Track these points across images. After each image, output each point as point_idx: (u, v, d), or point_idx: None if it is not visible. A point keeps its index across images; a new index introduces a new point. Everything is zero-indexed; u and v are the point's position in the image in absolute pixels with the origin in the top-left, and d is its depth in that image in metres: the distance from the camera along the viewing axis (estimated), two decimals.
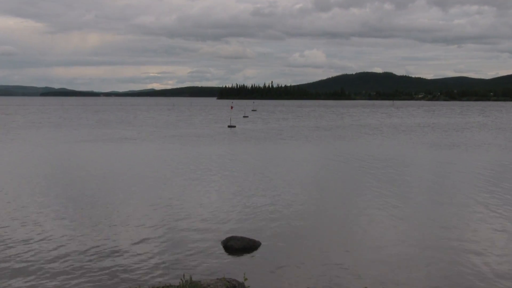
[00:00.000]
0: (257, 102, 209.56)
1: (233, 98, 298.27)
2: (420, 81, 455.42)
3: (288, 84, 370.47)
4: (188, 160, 22.17)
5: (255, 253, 9.17)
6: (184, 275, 6.63)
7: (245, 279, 6.53)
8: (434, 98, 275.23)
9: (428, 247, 9.58)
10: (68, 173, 18.02)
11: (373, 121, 59.88)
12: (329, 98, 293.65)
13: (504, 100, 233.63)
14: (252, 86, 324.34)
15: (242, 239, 9.53)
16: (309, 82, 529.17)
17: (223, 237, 9.94)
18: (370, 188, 15.52)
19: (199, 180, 16.68)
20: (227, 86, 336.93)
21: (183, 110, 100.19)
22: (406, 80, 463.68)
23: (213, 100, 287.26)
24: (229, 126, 46.69)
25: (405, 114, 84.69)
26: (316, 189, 15.30)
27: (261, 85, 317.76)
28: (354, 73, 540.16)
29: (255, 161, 21.97)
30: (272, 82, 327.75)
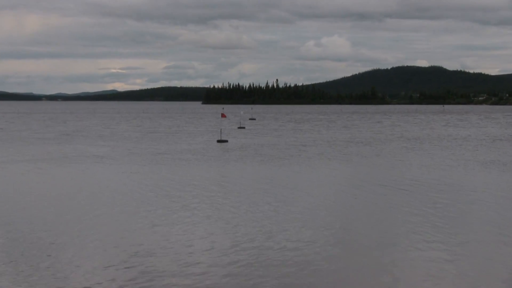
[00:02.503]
0: (257, 108, 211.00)
1: (225, 103, 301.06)
2: (481, 78, 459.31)
3: (299, 84, 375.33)
4: (163, 189, 22.50)
5: None
6: None
7: None
8: (501, 101, 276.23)
9: None
10: (4, 205, 18.31)
11: (418, 132, 60.41)
12: (356, 102, 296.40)
13: None
14: (250, 86, 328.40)
15: None
16: (328, 80, 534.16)
17: None
18: (418, 229, 15.63)
19: (176, 218, 16.82)
20: (216, 86, 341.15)
21: (156, 119, 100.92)
22: (461, 77, 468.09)
23: (197, 105, 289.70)
24: (219, 141, 47.11)
25: (463, 123, 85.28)
26: (340, 234, 15.30)
27: (263, 85, 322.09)
28: (389, 67, 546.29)
29: (252, 190, 22.27)
30: (277, 80, 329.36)
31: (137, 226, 15.51)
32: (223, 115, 52.63)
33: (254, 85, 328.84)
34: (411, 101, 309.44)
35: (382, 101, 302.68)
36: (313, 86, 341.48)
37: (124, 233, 14.65)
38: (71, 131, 63.55)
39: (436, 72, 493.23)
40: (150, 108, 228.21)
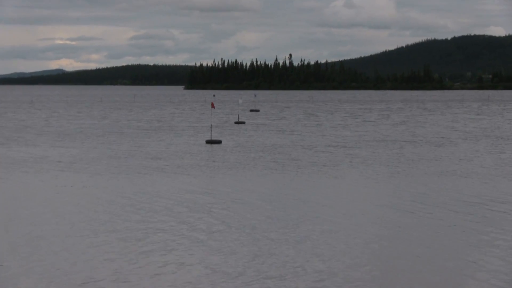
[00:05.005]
0: (262, 94, 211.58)
1: (216, 88, 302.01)
2: None
3: (322, 61, 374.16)
4: (135, 206, 22.80)
5: None
6: None
7: None
8: None
9: None
10: None
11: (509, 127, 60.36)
12: (401, 86, 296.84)
13: None
14: (252, 64, 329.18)
15: None
16: (362, 56, 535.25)
17: None
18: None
19: (152, 246, 17.13)
20: (204, 64, 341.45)
21: (118, 111, 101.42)
22: None
23: (177, 91, 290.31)
24: (209, 142, 47.22)
25: None
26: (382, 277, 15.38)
27: (270, 63, 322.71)
28: (449, 38, 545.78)
29: (252, 213, 22.29)
30: (290, 56, 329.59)
31: (86, 256, 15.84)
32: (213, 105, 52.60)
33: (258, 63, 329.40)
34: (480, 84, 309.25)
35: (439, 85, 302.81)
36: (342, 64, 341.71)
37: (69, 264, 14.97)
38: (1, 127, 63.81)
39: None
40: (111, 94, 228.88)
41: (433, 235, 18.76)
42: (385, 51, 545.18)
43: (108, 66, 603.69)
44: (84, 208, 22.59)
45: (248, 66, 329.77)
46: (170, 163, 35.19)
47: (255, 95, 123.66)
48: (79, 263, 15.74)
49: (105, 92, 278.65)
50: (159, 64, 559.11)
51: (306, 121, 74.63)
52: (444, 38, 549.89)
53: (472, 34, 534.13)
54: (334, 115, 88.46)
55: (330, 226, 19.74)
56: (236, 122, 71.11)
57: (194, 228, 19.44)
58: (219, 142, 47.35)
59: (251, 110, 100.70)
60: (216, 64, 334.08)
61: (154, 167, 33.44)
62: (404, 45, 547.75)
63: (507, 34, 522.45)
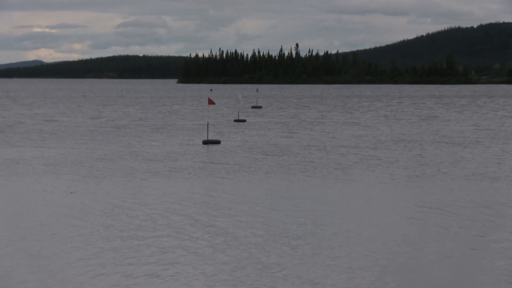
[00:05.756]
0: (265, 89, 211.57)
1: (214, 82, 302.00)
2: None
3: (333, 51, 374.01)
4: (124, 214, 22.86)
5: None
6: None
7: None
8: None
9: None
10: None
11: None
12: (422, 80, 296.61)
13: None
14: (254, 55, 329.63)
15: None
16: (377, 46, 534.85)
17: None
18: None
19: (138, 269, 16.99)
20: (200, 55, 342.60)
21: (104, 108, 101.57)
22: None
23: (170, 85, 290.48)
24: (205, 142, 47.24)
25: None
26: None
27: (274, 53, 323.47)
28: (475, 25, 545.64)
29: (253, 223, 22.28)
30: (297, 46, 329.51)
31: (75, 271, 15.85)
32: (210, 102, 52.60)
33: (261, 54, 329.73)
34: (510, 78, 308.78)
35: (464, 78, 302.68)
36: (355, 55, 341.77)
37: (56, 281, 15.09)
38: None
39: None
40: (95, 89, 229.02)
41: (461, 248, 18.76)
42: (403, 41, 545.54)
43: (92, 57, 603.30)
44: (69, 216, 22.61)
45: (249, 57, 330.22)
46: (162, 166, 35.19)
47: (257, 90, 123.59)
48: (67, 279, 15.72)
49: (88, 86, 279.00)
50: (150, 55, 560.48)
51: (315, 119, 74.67)
52: (469, 26, 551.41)
53: (500, 22, 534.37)
54: (346, 112, 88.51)
55: (346, 237, 19.77)
56: (236, 120, 71.22)
57: (192, 239, 19.45)
58: (217, 142, 47.37)
59: (253, 107, 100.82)
60: (214, 55, 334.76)
61: (144, 170, 33.43)
62: (424, 34, 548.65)
63: None
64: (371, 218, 22.64)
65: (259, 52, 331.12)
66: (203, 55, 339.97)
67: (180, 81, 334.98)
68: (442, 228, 21.00)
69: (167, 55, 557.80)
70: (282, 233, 20.22)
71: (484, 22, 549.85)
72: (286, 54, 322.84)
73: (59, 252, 18.01)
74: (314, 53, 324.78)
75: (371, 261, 17.20)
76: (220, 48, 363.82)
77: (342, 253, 17.94)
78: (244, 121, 70.74)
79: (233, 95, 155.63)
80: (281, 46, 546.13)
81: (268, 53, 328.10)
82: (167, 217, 22.38)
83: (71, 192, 27.10)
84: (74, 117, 78.82)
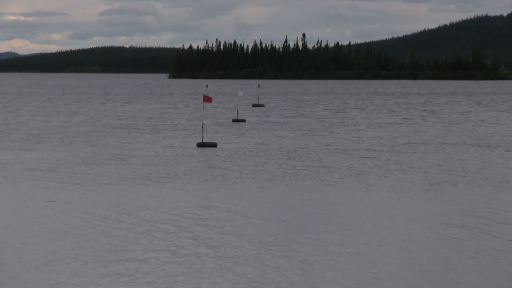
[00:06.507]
0: (268, 84, 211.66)
1: (210, 77, 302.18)
2: None
3: (344, 42, 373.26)
4: (111, 226, 22.87)
5: None
6: None
7: None
8: None
9: None
10: None
11: None
12: (444, 75, 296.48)
13: None
14: (256, 46, 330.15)
15: None
16: (395, 36, 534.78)
17: None
18: None
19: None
20: (195, 47, 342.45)
21: (86, 105, 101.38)
22: None
23: (161, 80, 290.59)
24: (200, 145, 47.29)
25: None
26: None
27: (278, 45, 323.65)
28: (504, 14, 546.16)
29: (252, 238, 22.30)
30: (304, 37, 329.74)
31: None
32: (207, 98, 52.54)
33: (263, 45, 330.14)
34: None
35: (492, 73, 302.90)
36: (369, 46, 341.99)
37: None
38: None
39: None
40: (76, 84, 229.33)
41: (498, 268, 18.64)
42: (424, 31, 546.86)
43: (73, 49, 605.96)
44: (52, 228, 22.57)
45: (250, 50, 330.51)
46: (150, 172, 35.14)
47: (259, 86, 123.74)
48: None
49: (68, 81, 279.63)
50: (137, 46, 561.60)
51: (324, 119, 74.77)
52: (498, 14, 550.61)
53: None
54: (360, 111, 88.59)
55: (364, 256, 19.66)
56: (234, 120, 71.35)
57: (180, 256, 19.35)
58: (213, 145, 47.30)
59: (254, 105, 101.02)
60: (210, 46, 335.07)
61: (130, 177, 33.40)
62: (448, 23, 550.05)
63: None
64: (392, 232, 22.48)
65: (261, 43, 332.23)
66: (198, 47, 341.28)
67: (172, 76, 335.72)
68: (475, 244, 20.88)
69: (157, 47, 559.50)
70: (288, 253, 20.02)
71: None
72: (291, 45, 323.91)
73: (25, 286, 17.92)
74: (323, 45, 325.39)
75: (402, 285, 16.98)
76: (217, 39, 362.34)
77: (366, 275, 17.73)
78: (244, 121, 70.81)
79: (232, 92, 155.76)
80: (286, 36, 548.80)
81: (271, 45, 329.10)
82: (151, 234, 22.20)
83: (48, 201, 27.07)
84: (53, 116, 78.94)
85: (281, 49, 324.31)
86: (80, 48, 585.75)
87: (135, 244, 20.39)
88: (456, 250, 20.14)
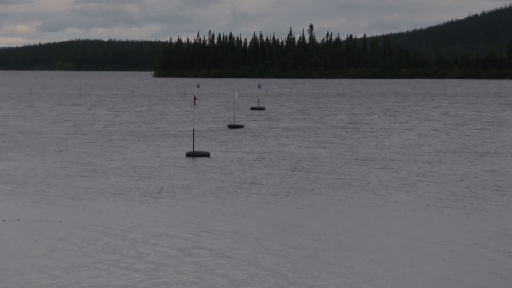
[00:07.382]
0: (269, 84, 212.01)
1: (202, 75, 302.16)
2: None
3: (358, 35, 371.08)
4: (88, 247, 22.93)
5: None
6: None
7: None
8: None
9: None
10: None
11: None
12: (475, 73, 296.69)
13: None
14: (255, 40, 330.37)
15: None
16: (417, 28, 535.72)
17: None
18: None
19: None
20: (184, 40, 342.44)
21: (64, 104, 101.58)
22: None
23: (144, 79, 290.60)
24: (189, 154, 47.40)
25: None
26: None
27: (281, 38, 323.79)
28: None
29: (248, 262, 22.41)
30: (311, 29, 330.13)
31: None
32: (195, 101, 52.66)
33: (264, 39, 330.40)
34: None
35: None
36: (387, 40, 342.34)
37: None
38: None
39: None
40: (45, 84, 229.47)
41: None
42: (451, 22, 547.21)
43: (42, 43, 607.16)
44: (19, 249, 22.58)
45: (249, 43, 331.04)
46: (132, 186, 35.17)
47: (259, 86, 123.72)
48: None
49: (36, 80, 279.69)
50: (117, 39, 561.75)
51: (334, 125, 74.88)
52: None
53: None
54: (374, 115, 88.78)
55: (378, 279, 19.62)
56: (230, 126, 71.42)
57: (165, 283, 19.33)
58: (205, 155, 47.33)
59: (253, 108, 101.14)
60: (202, 40, 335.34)
61: (109, 192, 33.43)
62: (479, 13, 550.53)
63: None
64: (413, 256, 22.41)
65: (261, 36, 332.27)
66: (188, 40, 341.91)
67: (157, 75, 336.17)
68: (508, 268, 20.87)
69: (140, 40, 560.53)
70: (289, 276, 20.05)
71: None
72: (297, 39, 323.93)
73: None
74: (333, 38, 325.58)
75: None
76: (210, 31, 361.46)
77: None
78: (241, 127, 70.83)
79: (227, 93, 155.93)
80: (291, 28, 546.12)
81: (274, 38, 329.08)
82: (131, 255, 22.18)
83: (14, 221, 27.04)
84: (21, 120, 78.79)
85: (284, 43, 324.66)
86: (51, 42, 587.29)
87: (106, 268, 20.37)
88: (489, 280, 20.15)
